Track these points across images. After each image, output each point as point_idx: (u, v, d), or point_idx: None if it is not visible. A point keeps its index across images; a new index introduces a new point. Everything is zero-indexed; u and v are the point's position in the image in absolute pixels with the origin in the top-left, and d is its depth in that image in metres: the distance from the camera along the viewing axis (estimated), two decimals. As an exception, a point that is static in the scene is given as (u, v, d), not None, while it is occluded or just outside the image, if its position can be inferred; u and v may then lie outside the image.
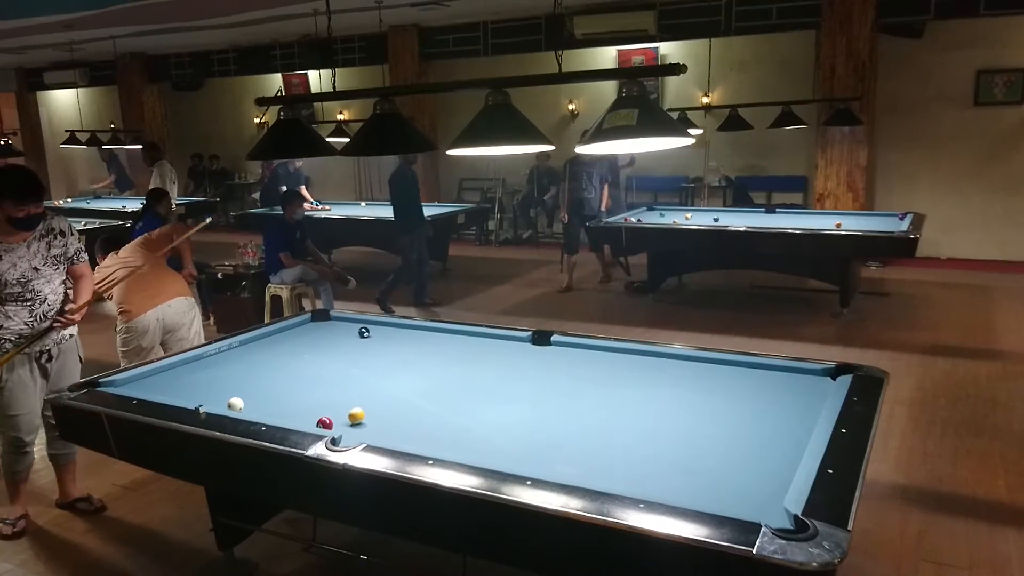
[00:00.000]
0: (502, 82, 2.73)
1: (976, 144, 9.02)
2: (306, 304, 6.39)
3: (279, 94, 11.65)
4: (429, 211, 9.02)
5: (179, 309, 4.43)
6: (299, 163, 10.31)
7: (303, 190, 9.71)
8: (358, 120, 10.72)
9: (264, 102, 3.44)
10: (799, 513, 1.87)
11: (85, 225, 7.96)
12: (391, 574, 3.14)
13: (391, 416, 2.71)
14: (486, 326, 3.91)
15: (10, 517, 3.56)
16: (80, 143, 11.17)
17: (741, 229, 6.90)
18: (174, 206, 9.08)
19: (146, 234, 4.60)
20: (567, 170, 8.03)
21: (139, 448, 2.86)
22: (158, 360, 3.39)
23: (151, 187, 8.68)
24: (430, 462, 2.16)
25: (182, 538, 3.47)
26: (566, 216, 8.08)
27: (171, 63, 13.18)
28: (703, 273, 8.10)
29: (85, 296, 3.55)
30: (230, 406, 2.72)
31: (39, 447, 3.69)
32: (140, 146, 11.56)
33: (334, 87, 3.88)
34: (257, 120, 13.93)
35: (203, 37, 11.31)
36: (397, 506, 2.27)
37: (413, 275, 7.61)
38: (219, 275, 6.73)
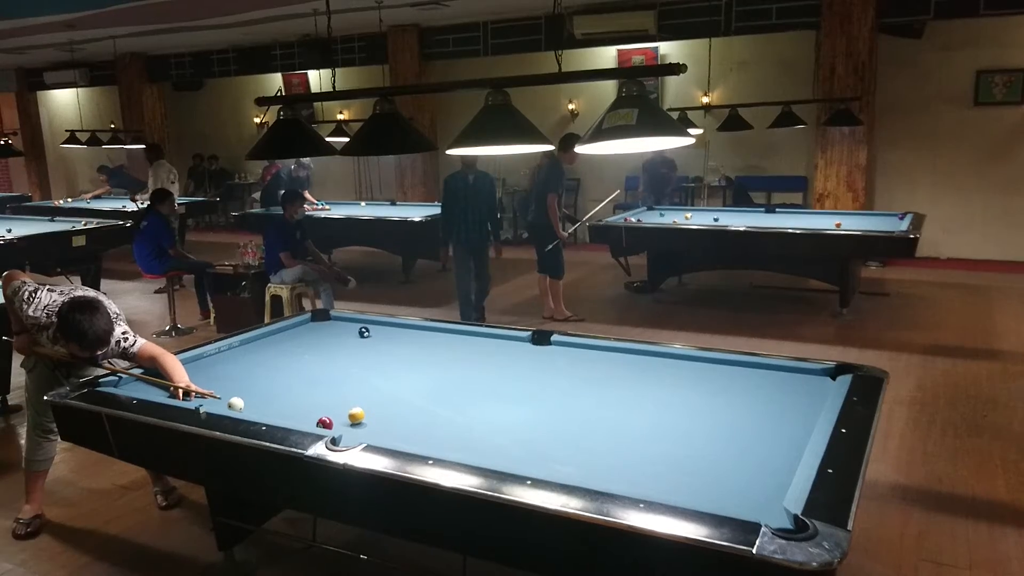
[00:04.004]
0: (502, 82, 2.74)
1: (976, 144, 9.02)
2: (306, 304, 6.39)
3: (279, 94, 11.64)
4: (427, 211, 9.01)
5: None
6: (303, 172, 10.30)
7: (306, 194, 9.71)
8: (358, 120, 10.71)
9: (264, 102, 3.44)
10: (799, 513, 1.87)
11: (85, 225, 7.95)
12: (391, 574, 3.14)
13: (391, 416, 2.71)
14: (486, 326, 3.91)
15: (25, 517, 3.55)
16: (80, 143, 11.17)
17: (741, 229, 6.90)
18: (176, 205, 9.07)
19: None
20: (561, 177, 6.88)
21: (139, 448, 2.87)
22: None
23: (151, 188, 8.70)
24: (430, 462, 2.16)
25: (182, 538, 3.46)
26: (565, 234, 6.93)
27: (171, 63, 13.17)
28: (703, 273, 8.10)
29: (179, 377, 3.02)
30: (230, 406, 2.72)
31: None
32: (139, 146, 11.60)
33: (334, 87, 3.88)
34: (257, 120, 13.93)
35: (203, 37, 11.31)
36: (397, 506, 2.27)
37: (464, 297, 6.62)
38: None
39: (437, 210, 9.07)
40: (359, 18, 9.21)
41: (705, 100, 10.14)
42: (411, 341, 3.75)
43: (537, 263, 6.99)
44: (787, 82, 9.42)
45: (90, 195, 12.24)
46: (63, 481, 4.03)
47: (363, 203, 10.79)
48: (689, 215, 7.92)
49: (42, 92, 15.41)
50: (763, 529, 1.77)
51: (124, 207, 10.41)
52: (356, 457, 2.24)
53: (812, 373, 3.02)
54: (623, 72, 3.10)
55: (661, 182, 9.54)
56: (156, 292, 8.44)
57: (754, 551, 1.70)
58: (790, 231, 6.79)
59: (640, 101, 2.45)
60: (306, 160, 10.23)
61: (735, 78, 10.23)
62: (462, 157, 6.29)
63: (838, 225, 6.72)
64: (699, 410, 2.76)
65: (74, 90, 14.02)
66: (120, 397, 2.87)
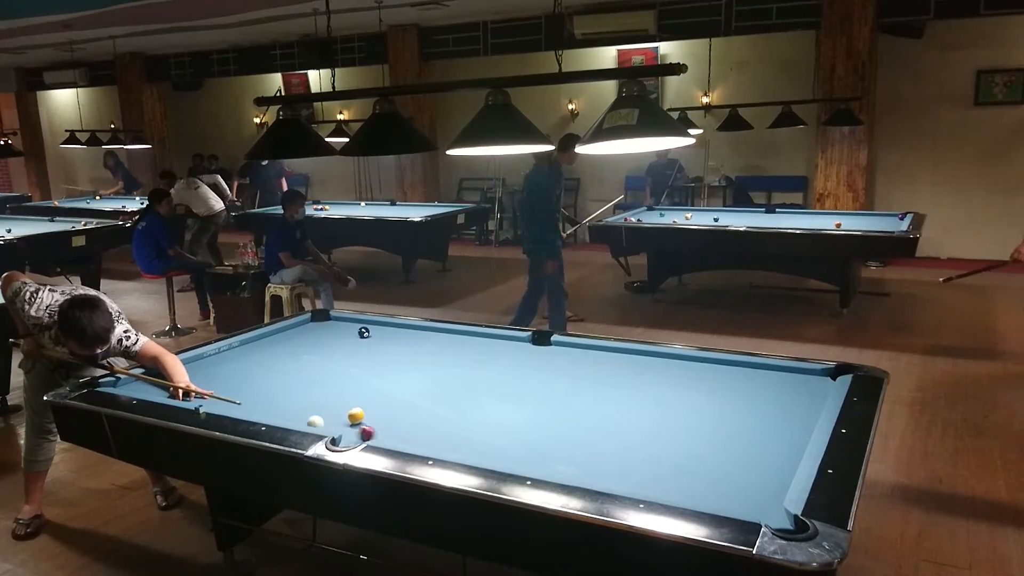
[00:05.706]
0: (502, 82, 2.74)
1: (976, 144, 9.01)
2: (306, 304, 6.39)
3: (279, 94, 11.65)
4: (428, 211, 9.02)
5: None
6: None
7: (283, 183, 9.71)
8: (358, 120, 10.71)
9: (264, 102, 3.44)
10: (799, 513, 1.87)
11: (85, 225, 7.95)
12: (391, 574, 3.14)
13: (391, 416, 2.70)
14: (486, 326, 3.91)
15: (24, 517, 3.55)
16: (80, 143, 11.16)
17: (741, 229, 6.90)
18: (224, 204, 9.00)
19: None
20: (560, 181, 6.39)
21: (139, 448, 2.86)
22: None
23: (192, 207, 8.67)
24: (430, 462, 2.16)
25: (182, 538, 3.46)
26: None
27: (171, 63, 13.17)
28: (703, 273, 8.10)
29: (180, 377, 3.01)
30: (310, 424, 2.52)
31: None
32: (139, 146, 11.59)
33: (334, 87, 3.88)
34: (257, 120, 13.92)
35: (203, 37, 11.30)
36: (397, 506, 2.27)
37: (530, 304, 6.21)
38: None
39: (437, 210, 9.13)
40: (359, 18, 9.21)
41: (705, 100, 10.14)
42: (411, 341, 3.74)
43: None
44: (787, 82, 9.41)
45: (101, 194, 12.28)
46: (63, 481, 4.03)
47: (363, 203, 10.78)
48: (689, 215, 7.91)
49: (42, 92, 15.40)
50: (763, 529, 1.77)
51: (124, 207, 10.40)
52: (356, 457, 2.23)
53: (812, 373, 3.02)
54: (623, 72, 3.10)
55: (664, 183, 9.57)
56: (180, 291, 8.22)
57: (754, 551, 1.70)
58: (790, 231, 6.78)
59: (640, 101, 2.45)
60: None
61: (735, 78, 10.22)
62: (536, 153, 5.65)
63: (838, 225, 6.72)
64: (699, 410, 2.76)
65: (74, 90, 14.01)
66: (120, 397, 2.86)
